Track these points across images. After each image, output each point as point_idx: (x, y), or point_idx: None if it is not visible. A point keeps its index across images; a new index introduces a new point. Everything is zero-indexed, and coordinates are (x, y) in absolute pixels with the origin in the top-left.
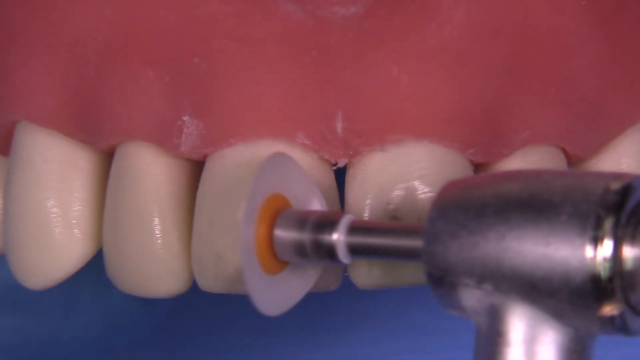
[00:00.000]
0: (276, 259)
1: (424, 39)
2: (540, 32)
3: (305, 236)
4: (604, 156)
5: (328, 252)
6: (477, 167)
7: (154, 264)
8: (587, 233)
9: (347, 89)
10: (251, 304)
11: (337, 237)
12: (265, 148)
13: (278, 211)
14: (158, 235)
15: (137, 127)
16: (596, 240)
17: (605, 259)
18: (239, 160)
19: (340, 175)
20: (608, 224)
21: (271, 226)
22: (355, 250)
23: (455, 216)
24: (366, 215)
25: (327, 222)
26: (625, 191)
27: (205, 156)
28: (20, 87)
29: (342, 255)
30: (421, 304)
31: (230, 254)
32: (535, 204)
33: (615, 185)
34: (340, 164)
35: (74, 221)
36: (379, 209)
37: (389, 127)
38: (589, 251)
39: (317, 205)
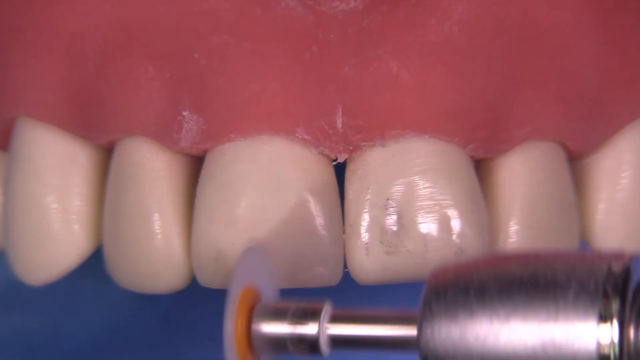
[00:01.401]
0: (252, 352)
1: (424, 34)
2: (540, 28)
3: (285, 330)
4: (604, 151)
5: (310, 347)
6: (478, 162)
7: (154, 260)
8: (596, 311)
9: (347, 84)
10: None
11: (319, 330)
12: (265, 143)
13: (252, 304)
14: (158, 231)
15: (137, 123)
16: (605, 318)
17: (613, 342)
18: (239, 155)
19: (340, 170)
20: (615, 304)
21: (249, 321)
22: (339, 342)
23: (454, 298)
24: (366, 209)
25: (307, 315)
26: (627, 272)
27: (205, 152)
28: (21, 83)
29: (325, 348)
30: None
31: (230, 249)
32: (539, 283)
33: (617, 267)
34: (341, 159)
35: (73, 217)
36: (379, 204)
37: (389, 123)
38: (600, 332)
39: (276, 293)
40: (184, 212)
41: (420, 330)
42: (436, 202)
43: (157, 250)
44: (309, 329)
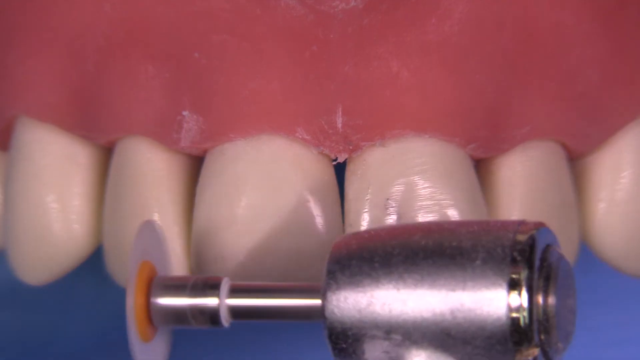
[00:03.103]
0: (151, 325)
1: (424, 33)
2: (540, 27)
3: (185, 302)
4: (604, 151)
5: (211, 318)
6: (478, 162)
7: None
8: (505, 277)
9: (347, 83)
10: None
11: (219, 302)
12: (265, 143)
13: (150, 278)
14: None
15: (136, 123)
16: (514, 285)
17: (522, 306)
18: (238, 155)
19: (340, 170)
20: (524, 270)
21: (147, 294)
22: (240, 314)
23: (359, 267)
24: (366, 209)
25: (207, 287)
26: (533, 240)
27: (205, 151)
28: (20, 83)
29: (224, 319)
30: None
31: (230, 249)
32: (445, 251)
33: (522, 236)
34: (340, 159)
35: (73, 216)
36: (378, 204)
37: (389, 122)
38: (510, 297)
39: (171, 268)
40: (183, 212)
41: (325, 300)
42: (436, 201)
43: None
44: (209, 300)
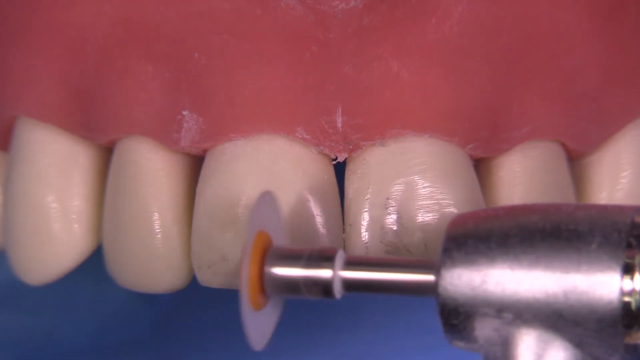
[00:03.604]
0: (263, 294)
1: (424, 34)
2: (540, 27)
3: (299, 273)
4: (604, 151)
5: (324, 289)
6: (477, 162)
7: (154, 260)
8: (620, 261)
9: (347, 83)
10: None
11: (333, 273)
12: (265, 143)
13: (265, 248)
14: (158, 231)
15: (136, 123)
16: (628, 270)
17: (635, 290)
18: (238, 155)
19: (340, 170)
20: (638, 256)
21: (261, 264)
22: (352, 287)
23: (475, 246)
24: (366, 209)
25: (321, 259)
26: None
27: (205, 151)
28: (20, 83)
29: (337, 291)
30: (421, 302)
31: (230, 249)
32: (562, 234)
33: (639, 222)
34: (340, 159)
35: (73, 216)
36: (378, 203)
37: (389, 122)
38: (623, 281)
39: (286, 239)
40: (183, 212)
41: (439, 276)
42: (436, 201)
43: (156, 250)
44: (323, 272)
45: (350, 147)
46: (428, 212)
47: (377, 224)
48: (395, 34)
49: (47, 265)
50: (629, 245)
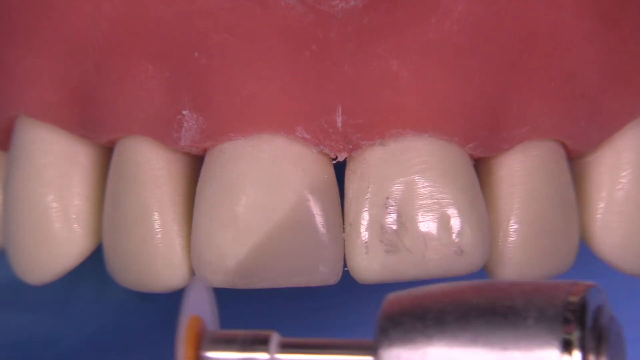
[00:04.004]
0: None
1: (424, 33)
2: (540, 27)
3: (235, 357)
4: (604, 151)
5: None
6: (477, 161)
7: (154, 259)
8: (558, 336)
9: (347, 83)
10: None
11: (270, 357)
12: (265, 142)
13: (199, 333)
14: (158, 230)
15: (136, 122)
16: (567, 346)
17: None
18: (238, 154)
19: (340, 169)
20: (576, 331)
21: (197, 349)
22: None
23: (412, 324)
24: (366, 208)
25: (256, 342)
26: (584, 301)
27: (205, 150)
28: (20, 82)
29: None
30: None
31: (230, 248)
32: (497, 310)
33: (574, 297)
34: (340, 158)
35: (73, 216)
36: (378, 203)
37: (389, 121)
38: (563, 358)
39: (214, 321)
40: (183, 211)
41: (377, 357)
42: (436, 200)
43: (156, 249)
44: (259, 355)
45: (350, 146)
46: (428, 211)
47: (377, 223)
48: (395, 33)
49: (47, 264)
50: (566, 320)
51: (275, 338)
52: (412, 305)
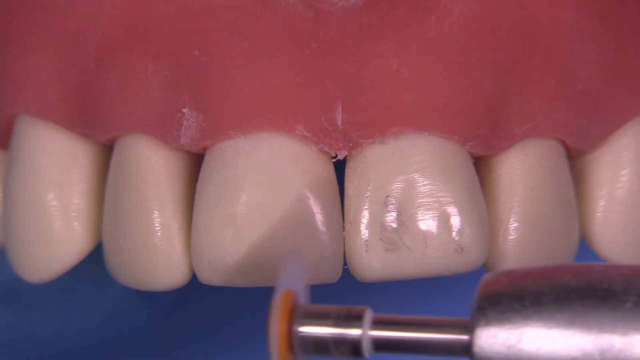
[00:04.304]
0: (292, 353)
1: (424, 31)
2: (540, 25)
3: (328, 332)
4: (603, 149)
5: (353, 349)
6: (477, 159)
7: (154, 257)
8: None
9: (347, 81)
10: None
11: (362, 333)
12: (265, 140)
13: (291, 307)
14: (158, 228)
15: (136, 120)
16: None
17: None
18: (238, 152)
19: (340, 167)
20: None
21: (289, 323)
22: (382, 346)
23: (509, 304)
24: (366, 206)
25: (350, 318)
26: None
27: (205, 149)
28: (20, 80)
29: (367, 350)
30: (420, 299)
31: (230, 246)
32: (596, 293)
33: None
34: (340, 156)
35: (73, 214)
36: (378, 201)
37: (389, 120)
38: None
39: (308, 297)
40: (183, 209)
41: (473, 335)
42: (436, 199)
43: (156, 248)
44: (352, 331)
45: (350, 144)
46: (428, 209)
47: (377, 221)
48: (395, 31)
49: (47, 263)
50: None
51: (368, 314)
52: (510, 285)
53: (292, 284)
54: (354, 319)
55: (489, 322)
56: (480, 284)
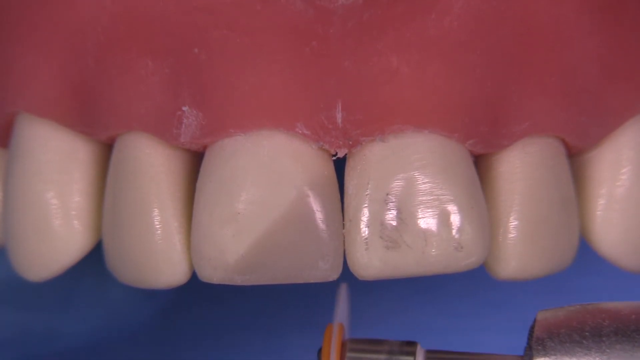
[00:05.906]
0: None
1: (424, 29)
2: (540, 22)
3: None
4: (604, 147)
5: None
6: (477, 157)
7: (154, 255)
8: None
9: (347, 79)
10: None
11: None
12: (265, 138)
13: (342, 340)
14: (158, 226)
15: (136, 118)
16: None
17: None
18: (238, 150)
19: (340, 165)
20: None
21: (341, 356)
22: None
23: (568, 335)
24: (366, 204)
25: (403, 352)
26: None
27: (205, 147)
28: (20, 78)
29: None
30: (420, 298)
31: (230, 243)
32: None
33: None
34: (340, 154)
35: (73, 212)
36: (378, 199)
37: (389, 118)
38: None
39: (348, 328)
40: (183, 208)
41: None
42: (436, 197)
43: (156, 246)
44: None
45: (350, 142)
46: (428, 207)
47: (377, 219)
48: (395, 29)
49: (47, 261)
50: None
51: (420, 350)
52: (568, 317)
53: (342, 316)
54: (406, 354)
55: (547, 354)
56: (537, 317)
